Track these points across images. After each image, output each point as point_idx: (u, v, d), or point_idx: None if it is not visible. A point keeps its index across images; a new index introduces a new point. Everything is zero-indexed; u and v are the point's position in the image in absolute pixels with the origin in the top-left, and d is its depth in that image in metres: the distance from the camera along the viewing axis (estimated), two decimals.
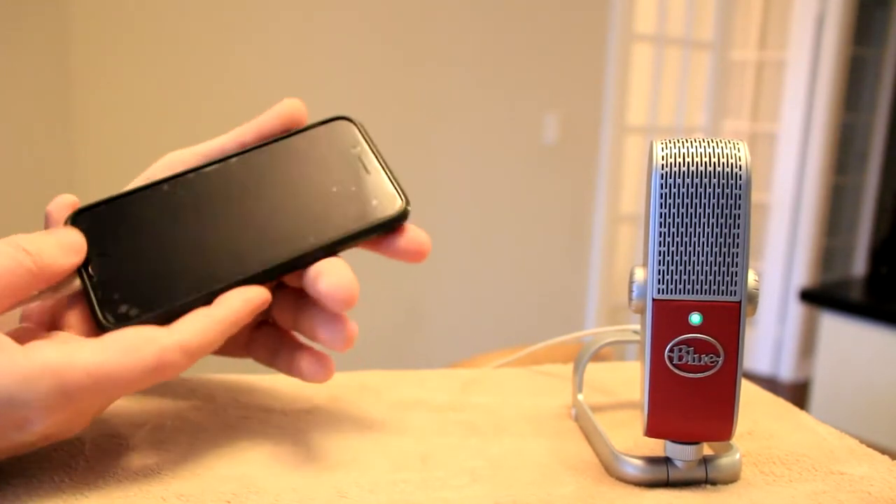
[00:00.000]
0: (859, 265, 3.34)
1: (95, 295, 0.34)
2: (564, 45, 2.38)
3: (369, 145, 0.40)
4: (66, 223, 0.36)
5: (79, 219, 0.36)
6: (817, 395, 2.62)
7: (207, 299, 0.34)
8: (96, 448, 0.36)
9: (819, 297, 2.66)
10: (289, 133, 0.40)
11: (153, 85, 1.73)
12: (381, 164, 0.39)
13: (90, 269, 0.35)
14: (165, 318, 0.34)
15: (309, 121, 0.41)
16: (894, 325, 2.38)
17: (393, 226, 0.37)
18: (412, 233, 0.37)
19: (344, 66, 1.98)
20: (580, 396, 0.42)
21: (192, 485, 0.33)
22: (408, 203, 0.37)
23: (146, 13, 1.70)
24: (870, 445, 0.39)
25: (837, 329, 2.54)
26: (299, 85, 1.92)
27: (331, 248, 0.36)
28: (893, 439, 2.31)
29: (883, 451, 0.38)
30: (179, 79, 1.76)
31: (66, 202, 0.37)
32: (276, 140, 0.40)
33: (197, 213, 0.37)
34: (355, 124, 0.41)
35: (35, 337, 0.33)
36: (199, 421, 0.39)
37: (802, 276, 3.17)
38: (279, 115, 0.40)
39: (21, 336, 0.33)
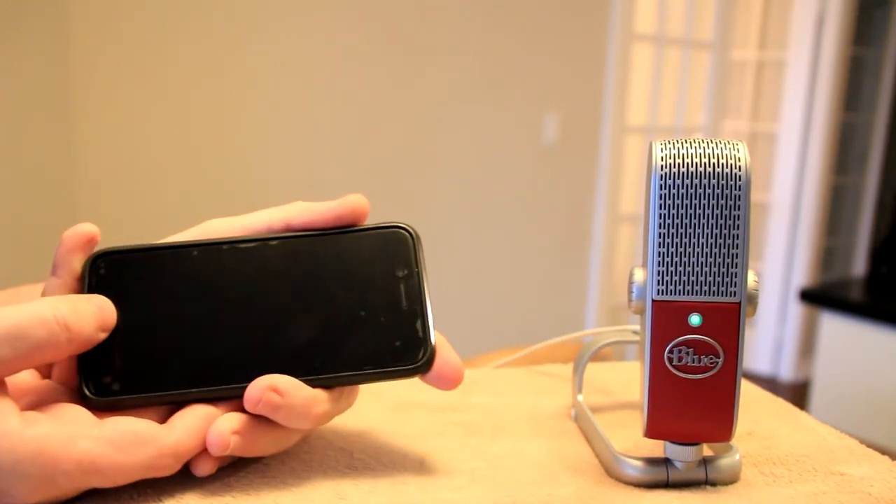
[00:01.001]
0: (859, 265, 3.34)
1: (84, 357, 0.33)
2: (564, 45, 2.38)
3: (417, 269, 0.36)
4: (84, 265, 0.34)
5: (98, 262, 0.34)
6: (817, 395, 2.61)
7: (196, 398, 0.33)
8: None
9: (819, 297, 2.66)
10: (340, 230, 0.36)
11: (153, 84, 1.73)
12: (420, 298, 0.35)
13: None
14: (146, 403, 0.33)
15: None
16: (894, 325, 2.38)
17: (410, 376, 0.34)
18: (440, 367, 0.34)
19: (344, 65, 1.98)
20: (580, 397, 0.42)
21: (191, 488, 0.33)
22: (433, 353, 0.34)
23: (145, 13, 1.70)
24: (870, 445, 0.39)
25: (837, 329, 2.54)
26: (299, 86, 1.92)
27: (338, 383, 0.34)
28: (893, 439, 2.31)
29: (883, 452, 0.38)
30: (179, 78, 1.76)
31: (84, 232, 0.34)
32: (323, 233, 0.36)
33: (216, 294, 0.35)
34: (412, 238, 0.36)
35: (38, 389, 0.33)
36: None
37: (802, 276, 3.17)
38: (337, 208, 0.36)
39: (21, 388, 0.32)
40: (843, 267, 3.38)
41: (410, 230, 0.36)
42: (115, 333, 0.33)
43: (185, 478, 0.33)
